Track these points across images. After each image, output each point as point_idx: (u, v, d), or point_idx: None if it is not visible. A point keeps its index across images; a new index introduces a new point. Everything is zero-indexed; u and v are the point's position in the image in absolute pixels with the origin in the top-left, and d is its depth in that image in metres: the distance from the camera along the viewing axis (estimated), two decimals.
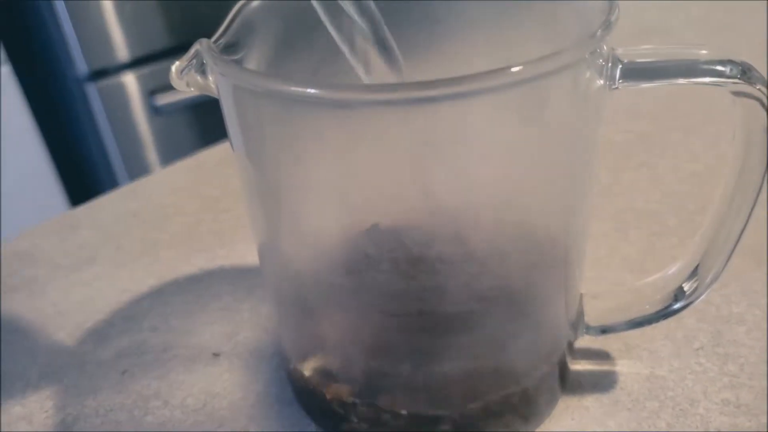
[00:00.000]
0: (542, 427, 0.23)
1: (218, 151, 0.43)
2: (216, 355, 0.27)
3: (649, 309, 0.22)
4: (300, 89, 0.15)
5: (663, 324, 0.26)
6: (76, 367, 0.28)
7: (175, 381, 0.27)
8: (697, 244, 0.20)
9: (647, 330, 0.26)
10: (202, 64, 0.19)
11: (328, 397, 0.20)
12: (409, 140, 0.17)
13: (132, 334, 0.29)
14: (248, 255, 0.33)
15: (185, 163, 0.42)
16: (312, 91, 0.15)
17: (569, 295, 0.21)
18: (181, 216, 0.37)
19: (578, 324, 0.23)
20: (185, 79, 0.20)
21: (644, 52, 0.18)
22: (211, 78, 0.19)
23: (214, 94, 0.20)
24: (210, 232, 0.35)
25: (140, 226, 0.36)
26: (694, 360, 0.25)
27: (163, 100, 0.92)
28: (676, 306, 0.21)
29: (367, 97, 0.15)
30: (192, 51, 0.19)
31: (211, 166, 0.42)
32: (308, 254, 0.19)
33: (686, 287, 0.20)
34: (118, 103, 0.91)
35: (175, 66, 0.20)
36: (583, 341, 0.26)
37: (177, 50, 0.91)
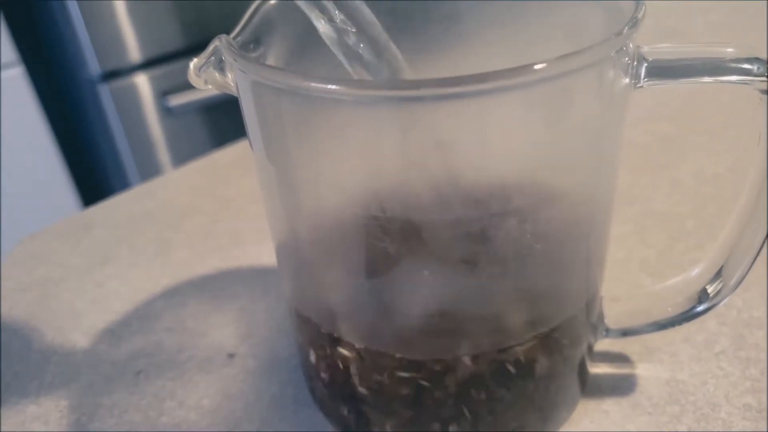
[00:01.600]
0: (561, 429, 0.23)
1: (232, 152, 0.43)
2: (231, 356, 0.27)
3: (671, 311, 0.21)
4: (320, 85, 0.15)
5: (683, 327, 0.25)
6: (91, 367, 0.28)
7: (190, 382, 0.26)
8: (721, 247, 0.20)
9: (667, 333, 0.26)
10: (221, 60, 0.19)
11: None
12: (431, 137, 0.17)
13: (146, 335, 0.29)
14: (263, 256, 0.33)
15: (199, 163, 0.42)
16: (332, 87, 0.15)
17: (590, 296, 0.21)
18: (196, 216, 0.37)
19: (598, 326, 0.23)
20: (203, 77, 0.20)
21: (669, 50, 0.18)
22: (229, 75, 0.19)
23: (232, 91, 0.20)
24: (225, 232, 0.35)
25: (154, 226, 0.36)
26: (715, 364, 0.25)
27: (176, 101, 0.92)
28: (699, 309, 0.20)
29: (389, 93, 0.15)
30: (211, 48, 0.19)
31: (225, 166, 0.42)
32: (327, 251, 0.18)
33: (710, 290, 0.20)
34: (130, 104, 0.91)
35: (194, 63, 0.19)
36: (603, 344, 0.25)
37: (189, 51, 0.92)
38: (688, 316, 0.21)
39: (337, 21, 0.18)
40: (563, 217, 0.18)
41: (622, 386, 0.24)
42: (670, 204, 0.33)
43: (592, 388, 0.24)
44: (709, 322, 0.26)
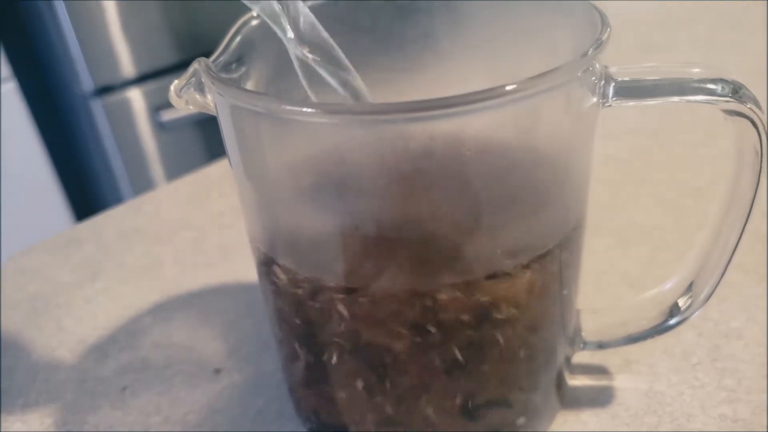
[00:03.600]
0: None
1: (221, 167, 0.44)
2: (217, 371, 0.28)
3: (645, 324, 0.22)
4: (294, 108, 0.16)
5: (662, 339, 0.26)
6: (77, 383, 0.28)
7: (177, 397, 0.27)
8: (692, 261, 0.20)
9: (646, 345, 0.26)
10: (201, 82, 0.20)
11: None
12: (405, 156, 0.17)
13: (133, 351, 0.29)
14: (251, 271, 0.33)
15: (189, 178, 0.43)
16: (306, 110, 0.15)
17: (566, 310, 0.21)
18: (185, 231, 0.37)
19: (575, 339, 0.23)
20: (184, 98, 0.20)
21: (637, 70, 0.19)
22: (209, 96, 0.20)
23: (212, 111, 0.20)
24: (213, 247, 0.35)
25: (144, 242, 0.37)
26: (692, 375, 0.25)
27: (169, 116, 0.92)
28: (671, 322, 0.21)
29: (364, 117, 0.16)
30: (190, 70, 0.20)
31: (214, 181, 0.42)
32: (306, 266, 0.19)
33: (681, 303, 0.21)
34: (123, 119, 0.91)
35: (174, 84, 0.20)
36: (582, 356, 0.26)
37: (182, 66, 0.92)
38: (660, 329, 0.21)
39: (291, 35, 0.18)
40: (533, 232, 0.18)
41: (600, 398, 0.25)
42: (652, 217, 0.34)
43: (571, 400, 0.24)
44: (686, 333, 0.27)
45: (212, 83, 0.17)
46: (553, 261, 0.19)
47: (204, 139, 0.98)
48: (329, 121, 0.16)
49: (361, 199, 0.17)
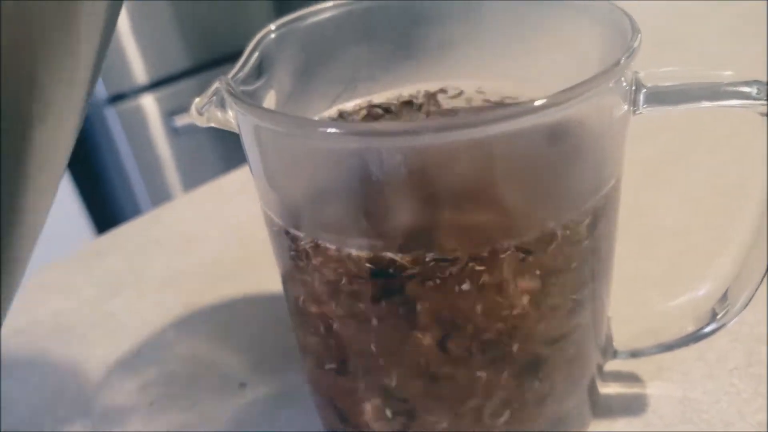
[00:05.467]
0: None
1: (240, 175, 0.44)
2: (243, 385, 0.27)
3: (678, 332, 0.21)
4: (319, 129, 0.15)
5: (695, 345, 0.25)
6: (105, 398, 0.28)
7: (203, 412, 0.27)
8: (728, 266, 0.20)
9: (679, 351, 0.25)
10: (222, 99, 0.19)
11: None
12: (433, 171, 0.17)
13: (159, 365, 0.29)
14: (275, 282, 0.33)
15: (207, 188, 0.43)
16: (333, 131, 0.15)
17: (597, 318, 0.21)
18: (206, 243, 0.37)
19: (607, 348, 0.23)
20: (206, 115, 0.20)
21: (667, 75, 0.18)
22: (230, 113, 0.19)
23: (233, 128, 0.20)
24: (235, 258, 0.35)
25: (164, 254, 0.37)
26: (727, 381, 0.24)
27: (183, 121, 0.93)
28: (707, 329, 0.20)
29: (392, 136, 0.15)
30: (212, 88, 0.19)
31: (233, 191, 0.42)
32: (331, 282, 0.19)
33: (717, 310, 0.20)
34: (137, 125, 0.92)
35: (195, 103, 0.20)
36: (613, 364, 0.25)
37: (194, 71, 0.92)
38: (695, 337, 0.21)
39: None
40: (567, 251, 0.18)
41: (633, 406, 0.24)
42: (677, 219, 0.33)
43: (603, 409, 0.24)
44: (720, 339, 0.26)
45: (235, 103, 0.17)
46: (584, 264, 0.18)
47: (219, 144, 0.99)
48: (356, 142, 0.16)
49: (390, 215, 0.17)
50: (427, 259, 0.17)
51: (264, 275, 0.33)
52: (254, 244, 0.36)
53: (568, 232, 0.17)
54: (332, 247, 0.17)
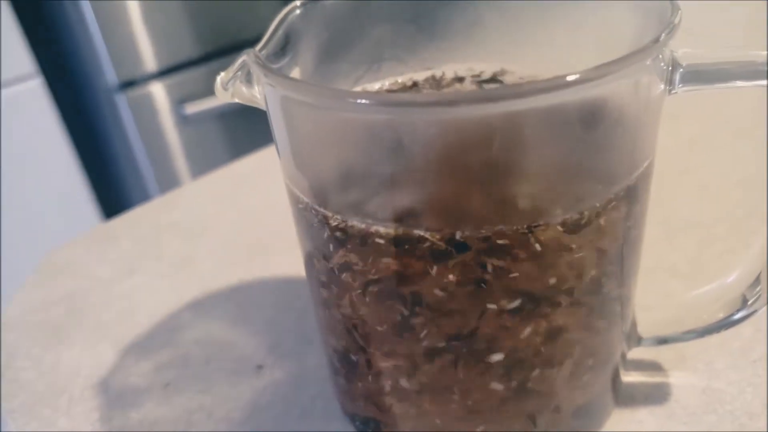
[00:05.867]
0: None
1: (252, 161, 0.43)
2: (260, 367, 0.27)
3: (706, 319, 0.21)
4: (351, 100, 0.15)
5: (717, 336, 0.25)
6: (120, 379, 0.28)
7: (219, 394, 0.26)
8: (758, 253, 0.20)
9: (701, 341, 0.25)
10: (248, 74, 0.19)
11: None
12: (463, 147, 0.16)
13: (174, 347, 0.29)
14: (289, 266, 0.33)
15: (220, 172, 0.42)
16: (365, 102, 0.15)
17: (624, 303, 0.20)
18: (220, 226, 0.37)
19: (631, 335, 0.22)
20: (230, 91, 0.20)
21: (703, 55, 0.18)
22: (257, 88, 0.19)
23: (259, 104, 0.20)
24: (250, 242, 0.35)
25: (179, 237, 0.36)
26: (752, 372, 0.24)
27: (192, 109, 0.92)
28: (737, 316, 0.20)
29: (425, 107, 0.15)
30: (238, 62, 0.19)
31: (246, 175, 0.42)
32: (359, 261, 0.18)
33: (748, 296, 0.20)
34: (147, 112, 0.92)
35: (221, 77, 0.19)
36: (635, 352, 0.25)
37: (204, 59, 0.92)
38: (725, 323, 0.20)
39: None
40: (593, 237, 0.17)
41: (655, 395, 0.24)
42: (697, 209, 0.33)
43: (625, 397, 0.24)
44: (744, 329, 0.26)
45: (264, 75, 0.17)
46: (617, 245, 0.18)
47: (228, 132, 0.98)
48: (388, 114, 0.15)
49: (420, 191, 0.17)
50: (457, 237, 0.16)
51: (280, 259, 0.33)
52: (270, 229, 0.36)
53: (602, 212, 0.17)
54: (360, 224, 0.17)
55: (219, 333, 0.29)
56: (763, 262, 0.19)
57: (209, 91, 1.03)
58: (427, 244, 0.16)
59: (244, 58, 0.19)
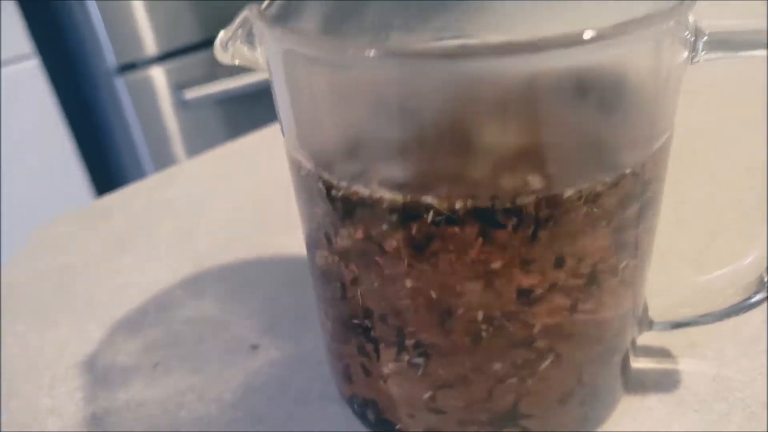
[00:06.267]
0: (603, 428, 0.22)
1: (252, 140, 0.42)
2: (254, 347, 0.26)
3: (723, 303, 0.20)
4: (359, 52, 0.14)
5: (727, 323, 0.24)
6: (107, 358, 0.27)
7: (211, 374, 0.25)
8: None
9: (711, 328, 0.24)
10: (250, 34, 0.18)
11: None
12: (475, 103, 0.15)
13: (165, 326, 0.28)
14: (287, 245, 0.32)
15: (218, 151, 0.41)
16: (371, 54, 0.14)
17: (637, 285, 0.19)
18: (217, 204, 0.36)
19: (643, 319, 0.21)
20: (230, 51, 0.19)
21: (726, 24, 0.17)
22: (259, 48, 0.18)
23: (260, 67, 0.19)
24: (248, 221, 0.34)
25: (174, 215, 0.35)
26: (762, 360, 0.23)
27: (192, 94, 0.91)
28: (756, 298, 0.19)
29: (438, 60, 0.14)
30: (239, 19, 0.18)
31: (245, 154, 0.41)
32: (363, 230, 0.17)
33: (766, 278, 0.19)
34: (146, 96, 0.91)
35: (220, 37, 0.18)
36: (643, 338, 0.24)
37: (205, 45, 0.91)
38: (743, 306, 0.20)
39: None
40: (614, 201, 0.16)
41: (665, 382, 0.23)
42: (707, 195, 0.32)
43: (634, 383, 0.23)
44: (755, 317, 0.25)
45: (267, 28, 0.16)
46: (631, 223, 0.17)
47: (227, 118, 0.97)
48: (394, 65, 0.14)
49: (430, 153, 0.16)
50: (467, 206, 0.15)
51: (279, 239, 0.32)
52: (270, 207, 0.35)
53: (620, 184, 0.16)
54: (365, 190, 0.16)
55: (213, 312, 0.28)
56: None
57: (209, 77, 1.02)
58: (435, 212, 0.16)
59: (245, 13, 0.18)
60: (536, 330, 0.17)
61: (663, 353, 0.24)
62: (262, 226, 0.33)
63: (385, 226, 0.16)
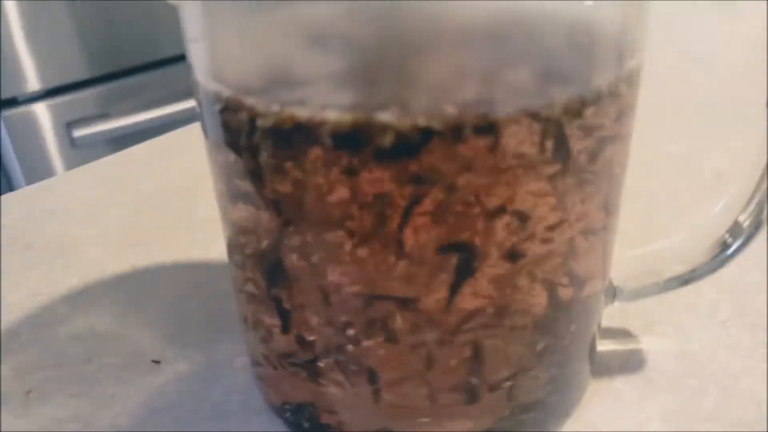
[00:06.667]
0: (573, 417, 0.19)
1: (144, 149, 0.38)
2: (156, 362, 0.22)
3: (695, 260, 0.18)
4: None
5: (681, 297, 0.23)
6: None
7: (102, 397, 0.21)
8: (749, 172, 0.17)
9: (667, 304, 0.23)
10: None
11: None
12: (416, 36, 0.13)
13: (42, 345, 0.23)
14: (190, 249, 0.28)
15: (108, 159, 0.37)
16: None
17: (608, 248, 0.17)
18: (110, 211, 0.31)
19: (607, 291, 0.19)
20: None
21: None
22: None
23: None
24: (146, 227, 0.30)
25: (58, 224, 0.30)
26: (722, 332, 0.22)
27: (81, 132, 0.85)
28: (736, 245, 0.17)
29: None
30: None
31: (139, 162, 0.36)
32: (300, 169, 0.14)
33: (742, 220, 0.17)
34: (29, 134, 0.83)
35: None
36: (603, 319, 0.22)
37: (95, 82, 0.85)
38: (720, 259, 0.18)
39: None
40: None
41: (630, 363, 0.21)
42: (638, 179, 0.31)
43: (599, 367, 0.21)
44: (706, 288, 0.23)
45: None
46: (598, 163, 0.15)
47: None
48: None
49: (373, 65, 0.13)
50: (420, 124, 0.13)
51: (180, 242, 0.28)
52: (168, 210, 0.31)
53: (581, 109, 0.14)
54: (302, 113, 0.13)
55: (104, 326, 0.24)
56: (755, 178, 0.17)
57: (101, 115, 0.95)
58: (384, 133, 0.13)
59: None
60: (502, 290, 0.15)
61: (623, 333, 0.22)
62: (162, 230, 0.29)
63: (323, 158, 0.13)
